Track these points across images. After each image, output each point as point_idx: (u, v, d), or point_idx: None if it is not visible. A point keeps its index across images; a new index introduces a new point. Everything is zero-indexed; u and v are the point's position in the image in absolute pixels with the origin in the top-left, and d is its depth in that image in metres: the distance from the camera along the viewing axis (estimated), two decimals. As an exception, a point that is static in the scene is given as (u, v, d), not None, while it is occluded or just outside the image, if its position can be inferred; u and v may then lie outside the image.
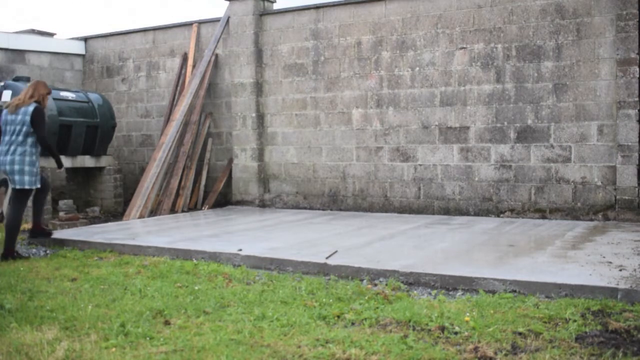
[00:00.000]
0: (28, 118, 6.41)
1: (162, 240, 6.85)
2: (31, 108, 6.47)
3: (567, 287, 4.45)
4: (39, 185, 6.59)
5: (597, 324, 3.78)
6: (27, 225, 8.54)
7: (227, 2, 10.58)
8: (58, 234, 7.65)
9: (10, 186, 6.60)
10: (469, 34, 8.65)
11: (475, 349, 3.38)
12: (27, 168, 6.44)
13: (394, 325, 3.84)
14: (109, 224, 8.72)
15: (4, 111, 6.63)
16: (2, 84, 9.24)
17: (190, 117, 10.59)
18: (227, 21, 10.61)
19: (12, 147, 6.45)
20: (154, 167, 9.99)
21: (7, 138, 6.52)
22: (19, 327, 3.93)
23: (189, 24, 11.26)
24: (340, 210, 9.60)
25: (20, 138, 6.45)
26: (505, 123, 8.45)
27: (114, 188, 10.34)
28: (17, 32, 11.84)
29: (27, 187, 6.47)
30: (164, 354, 3.43)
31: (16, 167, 6.40)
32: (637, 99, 7.62)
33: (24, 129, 6.43)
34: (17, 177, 6.42)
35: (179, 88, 11.06)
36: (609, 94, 7.83)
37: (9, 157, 6.43)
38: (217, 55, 10.87)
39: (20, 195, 6.56)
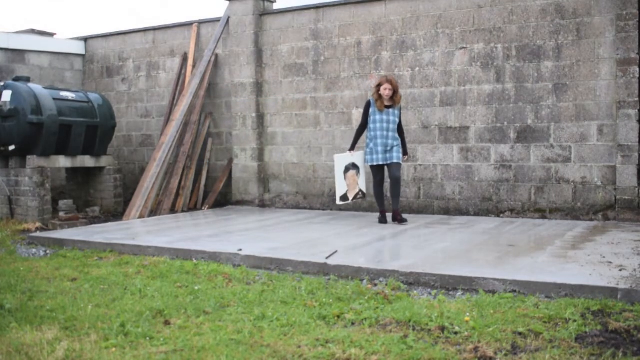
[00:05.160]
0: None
1: (162, 240, 6.85)
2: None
3: (567, 287, 4.44)
4: (372, 164, 7.83)
5: (597, 324, 3.78)
6: (27, 225, 8.56)
7: (227, 2, 10.58)
8: (58, 234, 7.66)
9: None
10: (469, 34, 8.65)
11: (475, 349, 3.38)
12: (367, 149, 7.85)
13: (394, 325, 3.84)
14: (109, 224, 8.72)
15: None
16: (2, 84, 9.24)
17: (190, 117, 10.59)
18: (227, 21, 10.61)
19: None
20: (154, 167, 9.99)
21: None
22: (19, 327, 3.93)
23: (189, 24, 11.26)
24: (340, 210, 9.60)
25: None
26: (505, 123, 8.45)
27: (114, 188, 10.34)
28: (17, 32, 11.83)
29: (367, 164, 7.93)
30: (164, 354, 3.43)
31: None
32: (637, 99, 7.62)
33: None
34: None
35: (179, 88, 11.06)
36: (609, 94, 7.83)
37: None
38: (217, 55, 10.87)
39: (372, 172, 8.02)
